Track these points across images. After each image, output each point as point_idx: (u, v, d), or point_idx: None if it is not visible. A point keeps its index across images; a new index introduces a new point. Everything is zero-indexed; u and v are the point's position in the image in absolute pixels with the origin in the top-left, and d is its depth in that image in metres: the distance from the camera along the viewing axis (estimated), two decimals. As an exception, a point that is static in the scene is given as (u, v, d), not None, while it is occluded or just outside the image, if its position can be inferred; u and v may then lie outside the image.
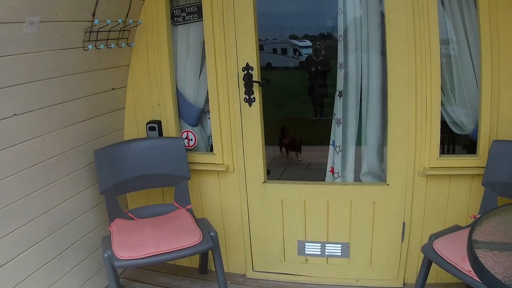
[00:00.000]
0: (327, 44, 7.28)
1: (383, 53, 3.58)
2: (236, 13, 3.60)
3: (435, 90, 3.42)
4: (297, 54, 9.08)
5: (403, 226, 3.66)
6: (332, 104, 3.89)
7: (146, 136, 3.93)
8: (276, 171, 5.68)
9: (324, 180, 3.99)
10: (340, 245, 3.81)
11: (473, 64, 3.48)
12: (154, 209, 3.75)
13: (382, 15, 3.50)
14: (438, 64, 3.39)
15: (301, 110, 7.57)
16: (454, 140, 4.04)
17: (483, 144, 3.45)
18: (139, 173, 3.69)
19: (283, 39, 8.84)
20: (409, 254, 3.72)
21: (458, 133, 3.65)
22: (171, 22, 3.85)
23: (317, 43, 7.44)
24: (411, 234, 3.68)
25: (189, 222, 3.47)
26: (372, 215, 3.70)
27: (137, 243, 3.20)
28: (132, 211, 3.72)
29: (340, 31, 3.67)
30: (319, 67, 7.16)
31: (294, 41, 8.98)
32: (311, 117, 7.59)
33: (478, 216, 3.27)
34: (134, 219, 3.61)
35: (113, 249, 3.16)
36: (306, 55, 8.63)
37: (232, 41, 3.64)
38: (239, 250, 4.04)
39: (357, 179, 3.89)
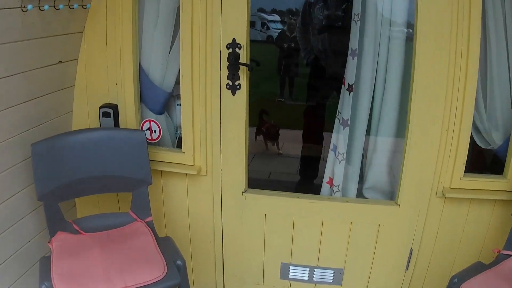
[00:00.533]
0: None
1: (409, 39, 2.78)
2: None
3: (469, 94, 2.65)
4: (265, 28, 8.65)
5: (410, 253, 2.95)
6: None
7: (99, 123, 3.02)
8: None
9: (319, 192, 3.16)
10: (332, 271, 3.06)
11: (509, 67, 2.73)
12: (106, 219, 2.85)
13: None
14: (477, 61, 2.60)
15: (276, 91, 6.80)
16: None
17: (514, 165, 2.79)
18: (86, 174, 2.77)
19: (251, 12, 8.34)
20: (412, 285, 3.04)
21: (483, 147, 2.90)
22: (140, -22, 2.91)
23: (293, 18, 6.75)
24: (417, 262, 2.99)
25: (150, 245, 2.60)
26: (375, 239, 2.95)
27: (82, 274, 2.35)
28: (78, 221, 2.81)
29: (357, 9, 2.80)
30: (292, 44, 6.42)
31: (263, 14, 8.52)
32: (280, 96, 6.86)
33: (504, 252, 2.63)
34: (80, 233, 2.72)
35: (52, 280, 2.30)
36: (274, 30, 8.19)
37: (216, 8, 2.72)
38: (208, 268, 3.22)
39: (359, 193, 3.11)
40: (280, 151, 5.43)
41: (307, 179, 4.52)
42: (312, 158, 4.52)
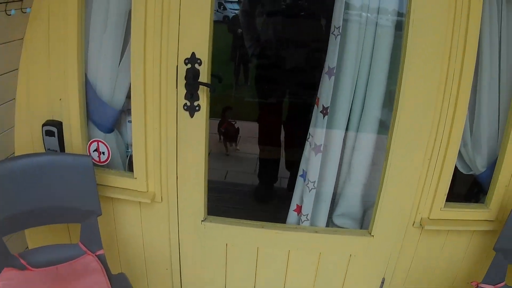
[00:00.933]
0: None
1: (395, 58, 2.35)
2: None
3: (457, 124, 2.28)
4: (221, 8, 8.02)
5: (382, 282, 2.62)
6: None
7: (42, 142, 2.52)
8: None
9: (285, 220, 2.74)
10: (298, 300, 2.69)
11: (499, 85, 2.37)
12: (54, 252, 2.40)
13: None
14: (469, 88, 2.24)
15: (230, 79, 5.98)
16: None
17: (497, 195, 2.45)
18: (29, 206, 2.30)
19: None
20: (381, 313, 2.70)
21: (464, 172, 2.55)
22: (86, -21, 2.34)
23: (247, 2, 6.08)
24: (388, 291, 2.66)
25: (102, 286, 2.17)
26: (346, 269, 2.60)
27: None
28: (25, 255, 2.34)
29: (338, 21, 2.31)
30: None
31: None
32: (234, 84, 6.10)
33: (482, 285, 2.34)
34: (28, 269, 2.28)
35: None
36: (231, 10, 7.58)
37: (173, 16, 2.22)
38: (165, 297, 2.79)
39: (328, 219, 2.69)
40: (238, 148, 4.87)
41: (266, 183, 4.06)
42: (271, 161, 4.06)
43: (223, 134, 4.80)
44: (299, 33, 3.61)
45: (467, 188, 2.77)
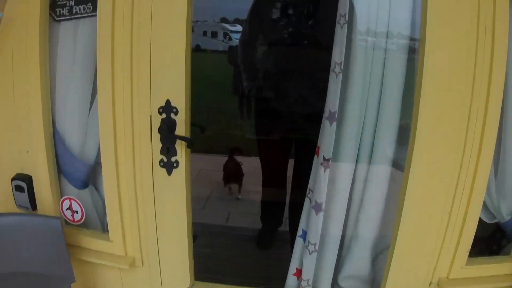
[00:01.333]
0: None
1: (409, 90, 1.93)
2: (155, 5, 1.81)
3: (483, 164, 1.86)
4: (227, 38, 7.83)
5: None
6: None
7: (13, 197, 2.15)
8: (198, 198, 3.77)
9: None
10: None
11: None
12: None
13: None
14: (497, 122, 1.84)
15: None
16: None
17: (525, 245, 1.96)
18: None
19: (214, 22, 7.83)
20: None
21: (487, 221, 2.10)
22: (51, 16, 1.99)
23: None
24: None
25: None
26: None
27: None
28: None
29: (339, 57, 1.86)
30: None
31: (225, 25, 7.77)
32: (237, 116, 5.18)
33: None
34: None
35: None
36: (237, 40, 7.14)
37: (144, 57, 1.84)
38: None
39: (333, 280, 2.21)
40: (239, 196, 4.12)
41: (269, 227, 3.48)
42: (274, 203, 3.48)
43: (226, 177, 4.14)
44: (303, 65, 3.08)
45: (488, 235, 2.31)
